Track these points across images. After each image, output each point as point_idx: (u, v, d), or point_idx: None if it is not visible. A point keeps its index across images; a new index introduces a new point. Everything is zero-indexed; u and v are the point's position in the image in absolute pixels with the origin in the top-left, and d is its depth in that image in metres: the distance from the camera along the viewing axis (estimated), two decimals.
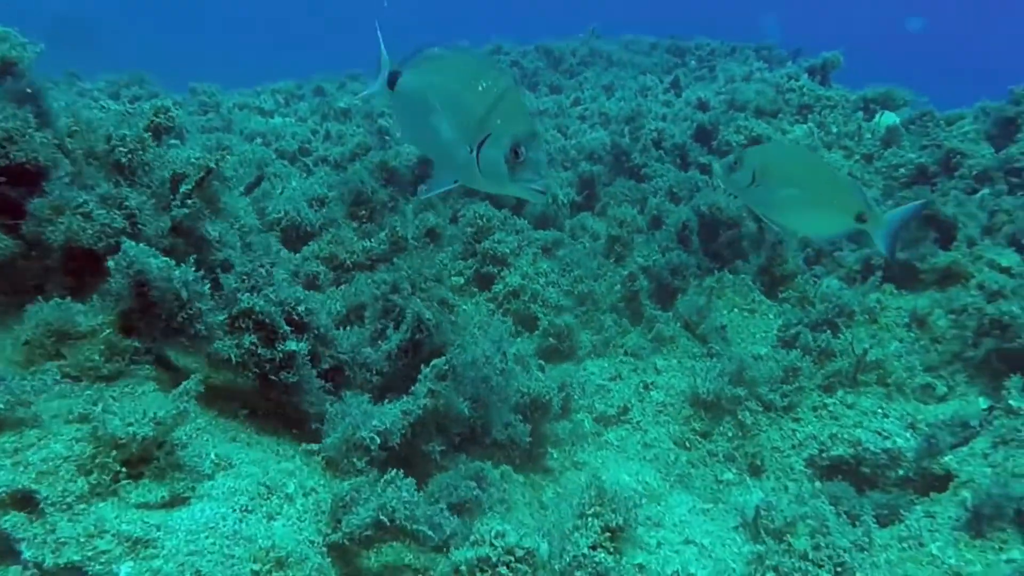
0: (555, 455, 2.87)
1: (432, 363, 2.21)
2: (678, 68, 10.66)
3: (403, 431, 2.19)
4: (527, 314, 3.57)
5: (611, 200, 5.02)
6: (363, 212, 3.43)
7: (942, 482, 2.38)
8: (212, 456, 1.99)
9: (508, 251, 3.84)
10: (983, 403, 2.71)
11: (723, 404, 2.91)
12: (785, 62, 11.73)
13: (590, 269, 3.80)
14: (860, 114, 6.11)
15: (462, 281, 3.97)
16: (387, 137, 5.38)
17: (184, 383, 1.86)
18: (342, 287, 2.80)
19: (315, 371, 2.22)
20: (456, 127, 1.94)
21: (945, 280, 3.45)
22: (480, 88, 1.91)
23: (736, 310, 3.64)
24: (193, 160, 2.39)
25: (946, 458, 2.42)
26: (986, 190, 3.81)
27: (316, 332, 2.14)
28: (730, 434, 2.87)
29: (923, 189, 3.61)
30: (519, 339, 3.55)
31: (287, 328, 2.02)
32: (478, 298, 3.84)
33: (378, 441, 2.13)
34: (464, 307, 3.78)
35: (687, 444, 2.88)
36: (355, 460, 2.15)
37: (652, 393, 3.09)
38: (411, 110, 2.09)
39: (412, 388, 2.25)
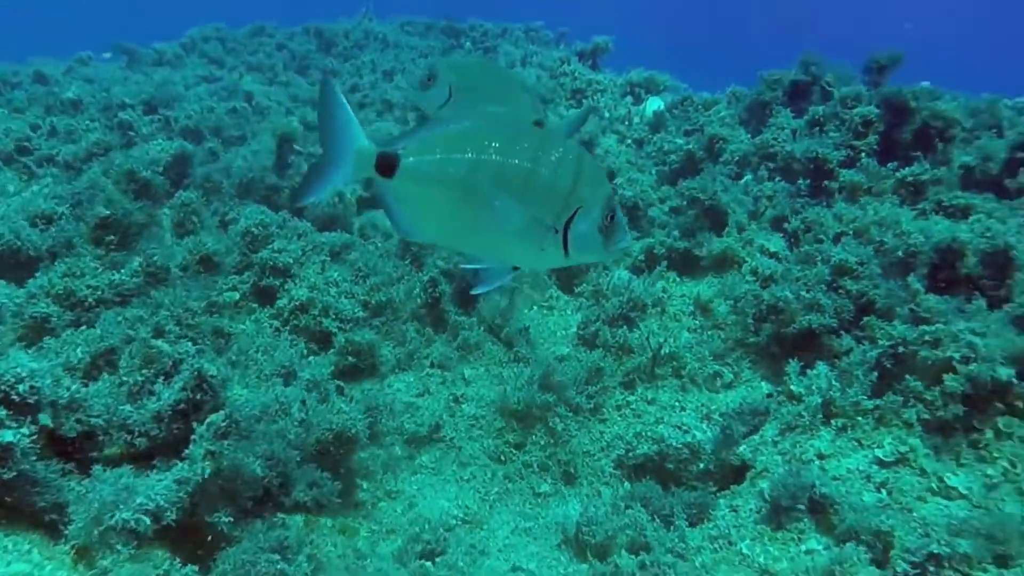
0: (366, 487, 2.65)
1: (208, 419, 1.88)
2: (455, 50, 10.62)
3: (180, 505, 1.84)
4: (319, 330, 3.26)
5: None
6: (111, 237, 2.87)
7: (739, 473, 2.52)
8: None
9: (291, 260, 3.48)
10: (766, 388, 2.93)
11: (534, 412, 2.86)
12: (551, 44, 12.18)
13: (386, 275, 3.57)
14: (629, 99, 6.43)
15: (237, 297, 3.54)
16: (132, 133, 4.67)
17: None
18: (83, 329, 2.31)
19: (59, 438, 1.80)
20: (535, 209, 1.61)
21: (721, 265, 3.69)
22: (554, 159, 1.61)
23: (535, 308, 3.62)
24: None
25: (741, 448, 2.56)
26: (749, 176, 4.14)
27: (52, 407, 1.71)
28: (543, 443, 2.83)
29: (704, 180, 3.82)
30: (312, 359, 3.24)
31: (3, 413, 1.58)
32: (259, 315, 3.45)
33: (147, 522, 1.77)
34: (242, 327, 3.38)
35: (503, 458, 2.80)
36: (118, 547, 1.77)
37: (463, 406, 2.96)
38: (438, 200, 1.66)
39: (187, 451, 1.90)
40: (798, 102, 5.33)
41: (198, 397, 1.89)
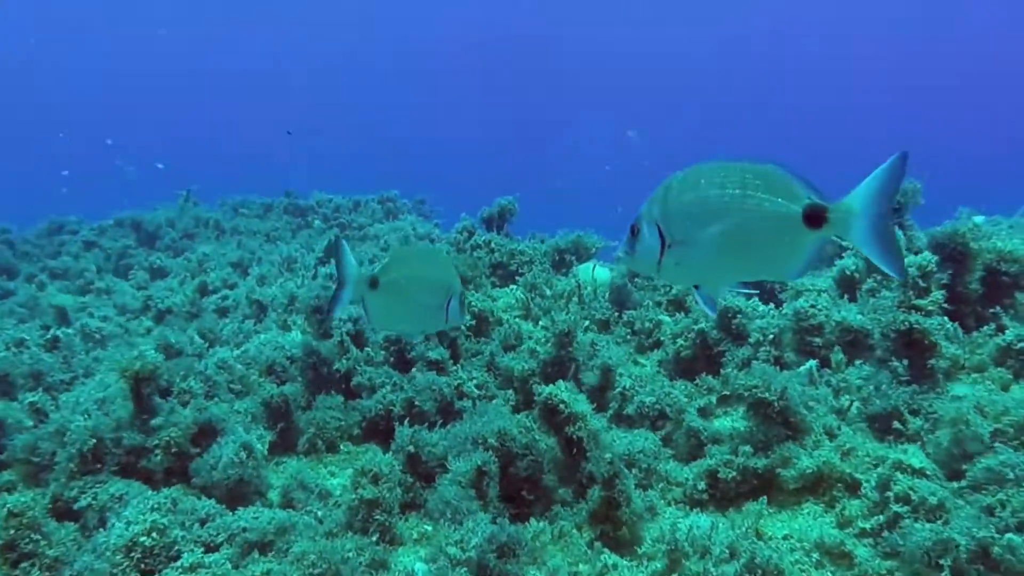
0: None
1: None
2: (303, 229, 10.24)
3: None
4: None
5: (319, 434, 4.01)
6: None
7: None
8: None
9: None
10: None
11: None
12: (409, 213, 12.16)
13: (355, 566, 2.73)
14: (576, 270, 6.14)
15: None
16: None
17: None
18: None
19: None
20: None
21: (817, 486, 3.19)
22: None
23: None
24: None
25: None
26: (812, 362, 3.74)
27: None
28: None
29: (765, 373, 3.39)
30: None
31: None
32: None
33: None
34: None
35: None
36: None
37: None
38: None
39: None
40: None
41: None
